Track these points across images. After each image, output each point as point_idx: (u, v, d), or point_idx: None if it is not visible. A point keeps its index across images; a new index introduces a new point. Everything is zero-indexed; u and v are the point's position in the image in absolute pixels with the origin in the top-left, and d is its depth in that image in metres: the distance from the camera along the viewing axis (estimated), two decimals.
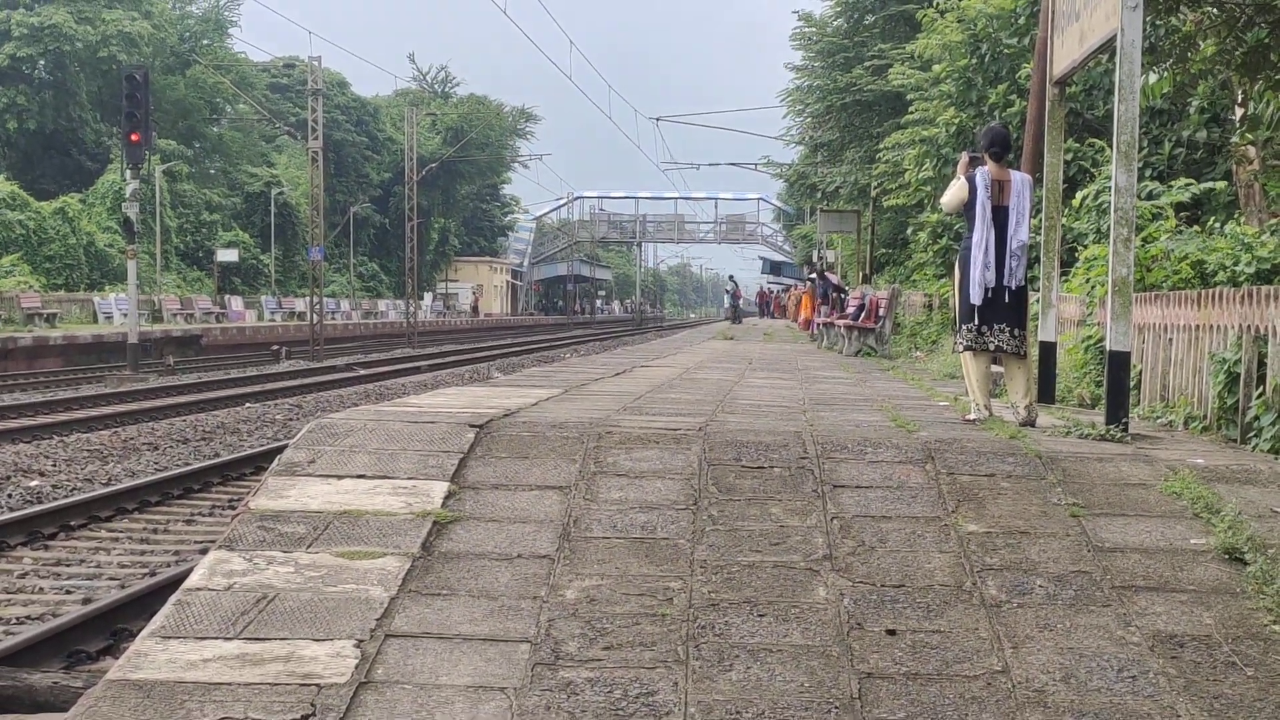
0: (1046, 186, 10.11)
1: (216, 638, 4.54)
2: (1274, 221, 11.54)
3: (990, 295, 8.30)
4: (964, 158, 8.67)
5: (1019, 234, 8.27)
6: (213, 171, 70.09)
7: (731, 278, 68.03)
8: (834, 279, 28.33)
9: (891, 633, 4.67)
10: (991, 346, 8.45)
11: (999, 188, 8.29)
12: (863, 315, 21.04)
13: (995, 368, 9.22)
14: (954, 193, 8.51)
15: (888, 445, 6.76)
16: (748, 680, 4.32)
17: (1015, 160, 12.52)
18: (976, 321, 8.38)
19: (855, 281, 31.92)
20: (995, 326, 8.36)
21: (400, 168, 65.82)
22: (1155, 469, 6.45)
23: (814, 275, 33.36)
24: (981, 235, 8.23)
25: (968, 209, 8.36)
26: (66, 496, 11.91)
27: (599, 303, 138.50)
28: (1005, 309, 8.36)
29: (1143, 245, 10.86)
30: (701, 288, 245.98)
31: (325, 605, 4.78)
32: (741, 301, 67.04)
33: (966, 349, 8.52)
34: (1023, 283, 8.42)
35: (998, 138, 8.48)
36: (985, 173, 8.32)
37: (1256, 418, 7.57)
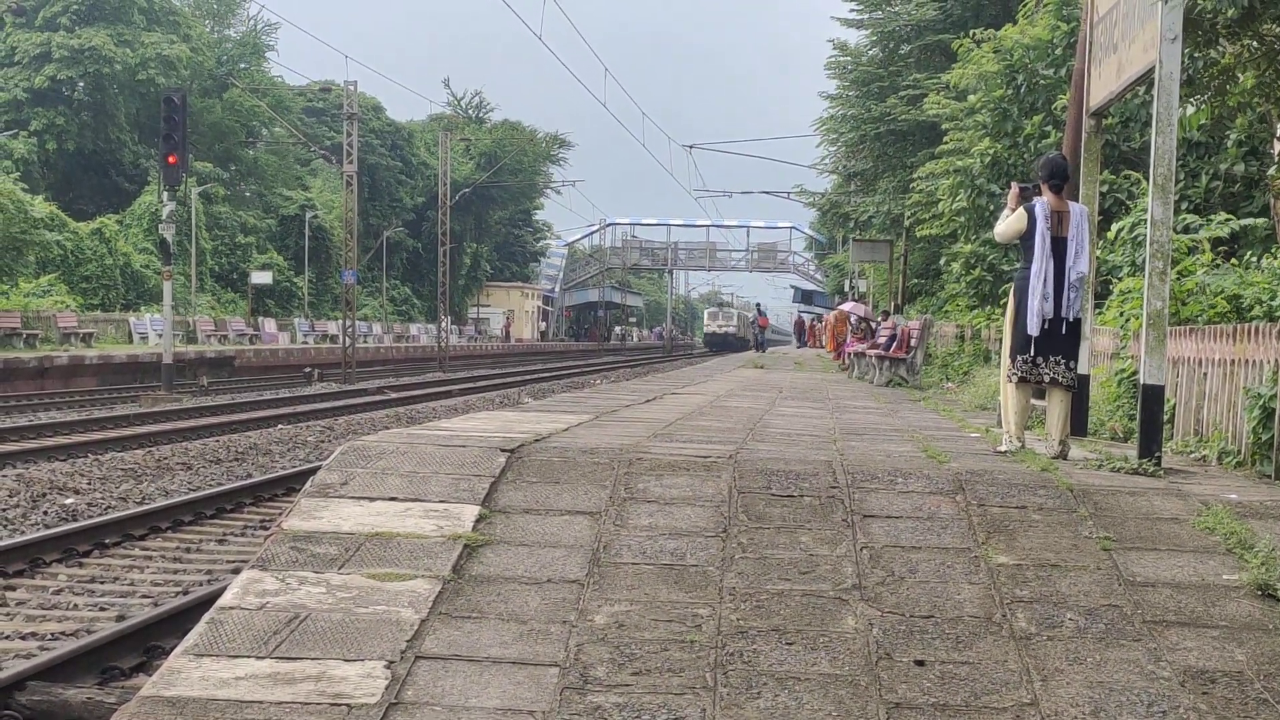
0: None
1: (249, 656, 4.58)
2: None
3: (1047, 326, 8.24)
4: (1014, 188, 8.63)
5: (1078, 265, 8.22)
6: (248, 194, 70.70)
7: (759, 305, 66.62)
8: (862, 310, 28.25)
9: (920, 663, 4.66)
10: (1046, 379, 8.36)
11: (1058, 218, 8.22)
12: (894, 345, 20.97)
13: (1037, 401, 9.15)
14: (1011, 223, 8.45)
15: (918, 476, 6.76)
16: (775, 708, 4.32)
17: None
18: (1032, 353, 8.31)
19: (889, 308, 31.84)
20: (1051, 358, 8.29)
21: (433, 192, 66.17)
22: (1188, 504, 6.41)
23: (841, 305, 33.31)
24: (1041, 266, 8.17)
25: (1025, 240, 8.30)
26: (101, 514, 12.00)
27: (623, 328, 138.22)
28: (1062, 341, 8.29)
29: (1178, 279, 10.81)
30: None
31: (356, 626, 4.81)
32: (769, 330, 65.25)
33: (1020, 381, 8.45)
34: (1080, 315, 8.38)
35: (1058, 169, 8.35)
36: (1044, 203, 8.25)
37: None
